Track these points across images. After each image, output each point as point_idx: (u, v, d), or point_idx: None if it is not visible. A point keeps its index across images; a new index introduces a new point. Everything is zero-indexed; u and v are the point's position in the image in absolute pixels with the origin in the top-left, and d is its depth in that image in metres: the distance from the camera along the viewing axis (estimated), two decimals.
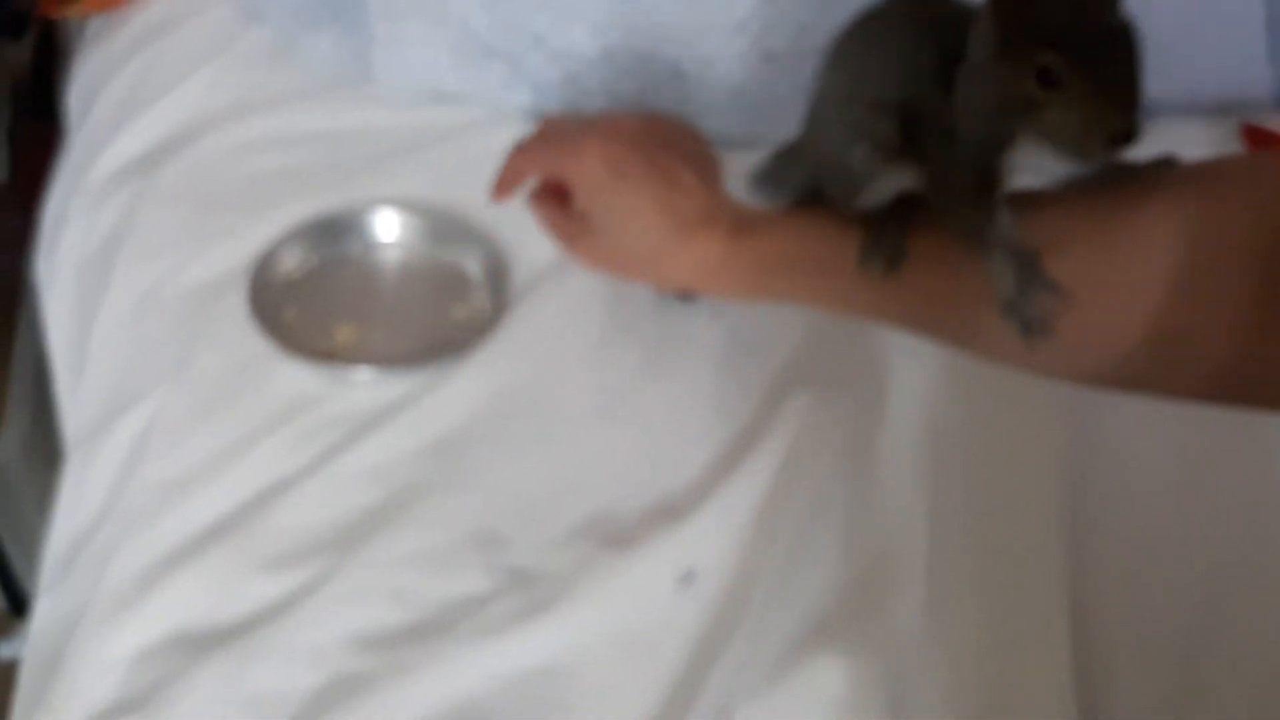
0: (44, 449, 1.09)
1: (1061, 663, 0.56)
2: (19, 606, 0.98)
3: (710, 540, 0.60)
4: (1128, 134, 0.43)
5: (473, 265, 0.74)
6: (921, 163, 0.50)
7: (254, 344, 0.68)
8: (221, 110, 0.85)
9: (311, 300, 0.72)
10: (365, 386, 0.67)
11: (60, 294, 0.81)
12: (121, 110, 0.87)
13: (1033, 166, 0.47)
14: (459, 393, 0.66)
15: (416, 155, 0.81)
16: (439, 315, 0.71)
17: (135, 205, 0.79)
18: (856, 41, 0.53)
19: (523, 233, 0.75)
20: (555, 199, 0.61)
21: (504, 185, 0.63)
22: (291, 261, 0.73)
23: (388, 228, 0.76)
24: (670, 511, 0.61)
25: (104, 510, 0.64)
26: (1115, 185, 0.47)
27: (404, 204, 0.76)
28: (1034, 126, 0.44)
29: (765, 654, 0.56)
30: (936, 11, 0.49)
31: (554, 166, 0.61)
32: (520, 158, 0.62)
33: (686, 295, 0.68)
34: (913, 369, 0.66)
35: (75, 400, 0.73)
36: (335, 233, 0.75)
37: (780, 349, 0.69)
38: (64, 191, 0.86)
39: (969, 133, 0.46)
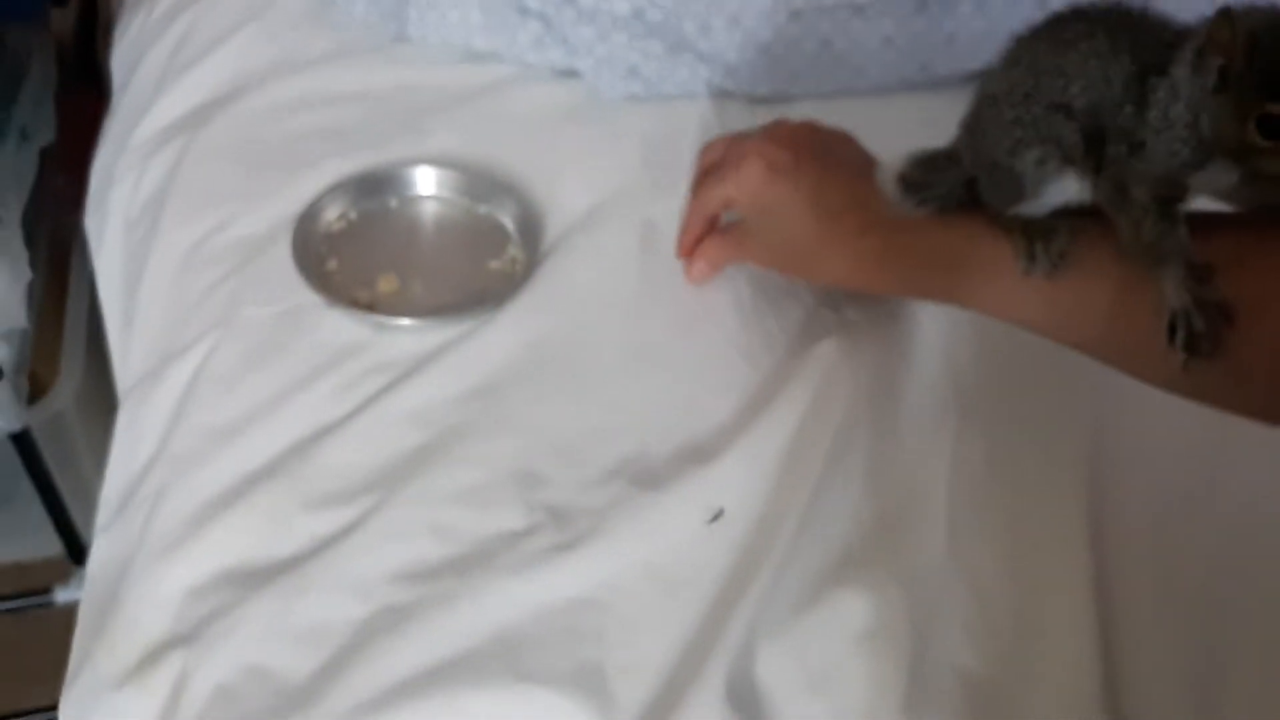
0: (98, 401, 1.13)
1: (1084, 599, 0.57)
2: (77, 554, 1.01)
3: (738, 481, 0.61)
4: None
5: (507, 219, 0.76)
6: (1097, 172, 0.50)
7: (299, 295, 0.70)
8: (261, 71, 0.87)
9: (353, 252, 0.74)
10: (405, 335, 0.69)
11: (109, 249, 0.84)
12: (164, 72, 0.89)
13: (1212, 189, 0.48)
14: (497, 341, 0.68)
15: (451, 112, 0.83)
16: (476, 267, 0.73)
17: (180, 162, 0.81)
18: (1045, 42, 0.52)
19: (555, 188, 0.77)
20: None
21: (690, 240, 0.68)
22: (333, 214, 0.76)
23: (426, 183, 0.78)
24: (700, 454, 0.63)
25: (156, 454, 0.66)
26: None
27: (441, 161, 0.78)
28: (1244, 167, 0.44)
29: (791, 588, 0.57)
30: (1135, 20, 0.49)
31: (723, 192, 0.65)
32: (696, 203, 0.68)
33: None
34: (938, 317, 0.68)
35: (126, 350, 0.76)
36: (375, 188, 0.77)
37: (805, 299, 0.71)
38: (111, 150, 0.88)
39: (1163, 151, 0.46)
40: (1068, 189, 0.52)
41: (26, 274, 0.93)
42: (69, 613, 1.14)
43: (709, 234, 0.68)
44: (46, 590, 1.05)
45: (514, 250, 0.74)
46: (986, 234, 0.55)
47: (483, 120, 0.82)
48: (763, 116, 0.71)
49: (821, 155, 0.63)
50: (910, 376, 0.66)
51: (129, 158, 0.85)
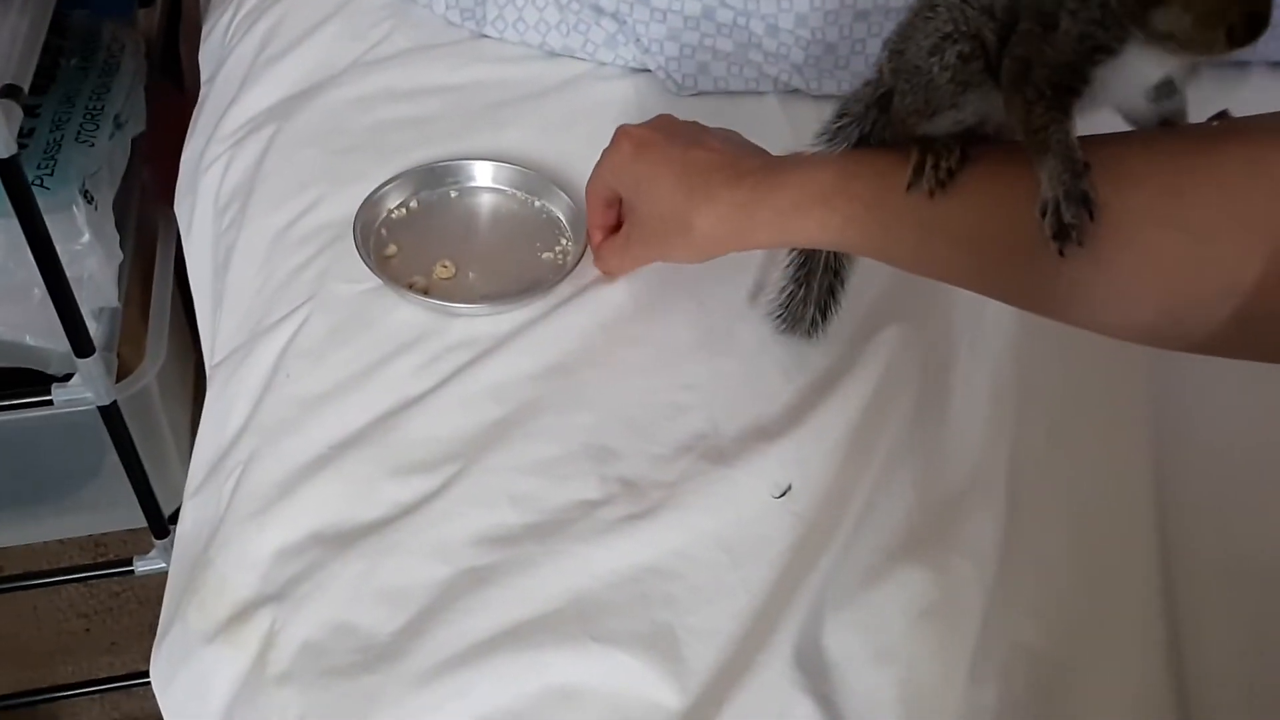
0: (176, 382, 1.17)
1: (1149, 576, 0.58)
2: (158, 527, 1.05)
3: (805, 460, 0.63)
4: (1253, 23, 0.41)
5: (561, 213, 0.78)
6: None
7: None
8: (344, 65, 0.91)
9: (412, 239, 0.77)
10: (465, 318, 0.71)
11: (198, 232, 0.87)
12: (251, 66, 0.93)
13: (1116, 98, 0.48)
14: (571, 322, 0.71)
15: (525, 107, 0.86)
16: (529, 257, 0.76)
17: (268, 150, 0.84)
18: None
19: None
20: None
21: (595, 231, 0.72)
22: (394, 202, 0.79)
23: (484, 176, 0.81)
24: (767, 433, 0.65)
25: (246, 423, 0.69)
26: (1191, 132, 0.47)
27: (512, 154, 0.81)
28: (1150, 24, 0.43)
29: (857, 563, 0.59)
30: None
31: (599, 175, 0.69)
32: (588, 192, 0.71)
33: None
34: (1001, 309, 0.69)
35: (215, 328, 0.79)
36: (436, 179, 0.80)
37: (869, 290, 0.73)
38: (200, 140, 0.92)
39: (1075, 33, 0.45)
40: (986, 100, 0.51)
41: (118, 255, 0.97)
42: (148, 584, 1.19)
43: (606, 238, 0.72)
44: (127, 562, 1.09)
45: (566, 242, 0.77)
46: (874, 163, 0.55)
47: (556, 115, 0.85)
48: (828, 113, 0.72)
49: (694, 135, 0.65)
50: (973, 360, 0.67)
51: (217, 147, 0.89)
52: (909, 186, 0.53)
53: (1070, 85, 0.47)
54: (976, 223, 0.52)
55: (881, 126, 0.58)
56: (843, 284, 0.68)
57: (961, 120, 0.53)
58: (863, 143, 0.59)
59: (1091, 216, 0.45)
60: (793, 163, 0.60)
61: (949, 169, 0.52)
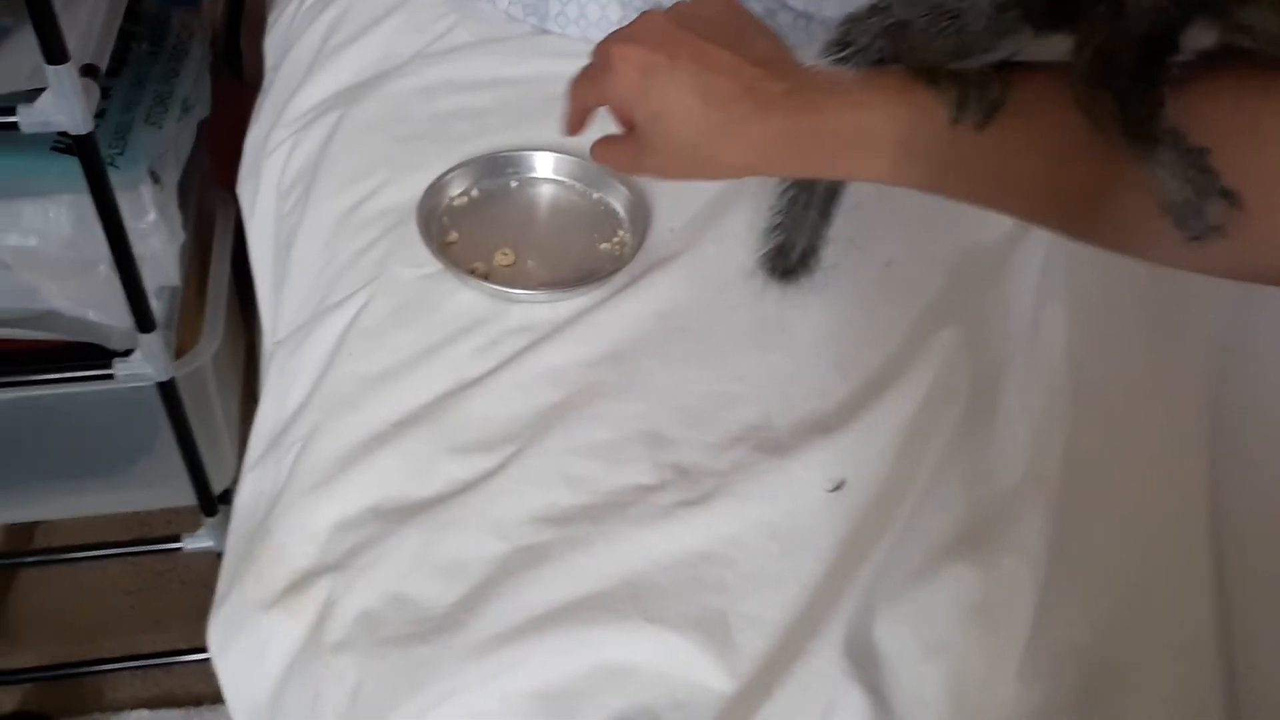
0: (231, 365, 1.19)
1: (1203, 579, 0.58)
2: (208, 505, 1.07)
3: (859, 455, 0.64)
4: None
5: (619, 205, 0.79)
6: (1070, 30, 0.45)
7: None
8: (407, 56, 0.92)
9: (473, 226, 0.78)
10: (523, 304, 0.73)
11: (261, 215, 0.89)
12: (316, 55, 0.95)
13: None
14: (628, 311, 0.72)
15: None
16: (587, 247, 0.77)
17: (331, 136, 0.86)
18: None
19: None
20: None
21: (573, 125, 0.65)
22: (456, 190, 0.80)
23: (545, 167, 0.82)
24: (822, 426, 0.65)
25: (306, 398, 0.71)
26: (1244, 65, 0.42)
27: (567, 147, 0.82)
28: (1233, 17, 0.40)
29: (909, 558, 0.59)
30: None
31: (598, 94, 0.61)
32: (571, 97, 0.64)
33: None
34: (1056, 305, 0.69)
35: (277, 308, 0.81)
36: (497, 168, 0.81)
37: (926, 288, 0.73)
38: (264, 125, 0.94)
39: (1149, 4, 0.42)
40: (1022, 43, 0.47)
41: (181, 236, 0.99)
42: (192, 564, 1.21)
43: (608, 139, 0.64)
44: (175, 538, 1.11)
45: (623, 234, 0.78)
46: (913, 94, 0.51)
47: None
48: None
49: (697, 41, 0.57)
50: (1028, 361, 0.67)
51: (282, 131, 0.91)
52: (954, 121, 0.49)
53: (1158, 60, 0.42)
54: (1046, 172, 0.49)
55: (890, 58, 0.54)
56: (828, 224, 0.68)
57: (993, 59, 0.50)
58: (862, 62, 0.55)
59: (1236, 205, 0.42)
60: (822, 91, 0.55)
61: (994, 102, 0.48)
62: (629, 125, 0.61)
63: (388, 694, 0.55)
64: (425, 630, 0.57)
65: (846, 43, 0.55)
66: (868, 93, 0.54)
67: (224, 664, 0.65)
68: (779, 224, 0.69)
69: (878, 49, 0.54)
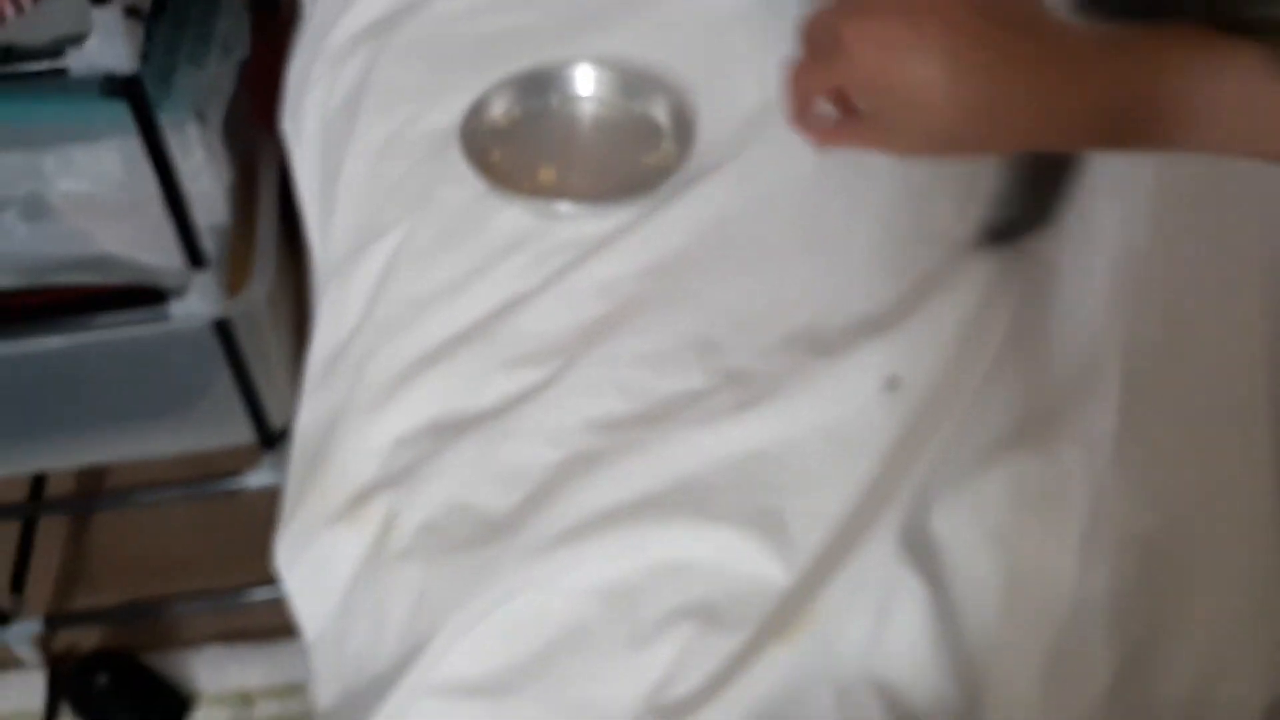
0: (282, 304, 1.21)
1: (1264, 467, 0.57)
2: (268, 440, 1.09)
3: (914, 353, 0.63)
4: None
5: (661, 115, 0.79)
6: None
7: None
8: None
9: (515, 146, 0.78)
10: (569, 220, 0.73)
11: (306, 147, 0.89)
12: None
13: None
14: (676, 221, 0.71)
15: (631, 15, 0.86)
16: (631, 161, 0.77)
17: (373, 63, 0.86)
18: None
19: (730, 82, 0.80)
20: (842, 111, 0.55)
21: (799, 118, 0.58)
22: (497, 111, 0.80)
23: (584, 82, 0.81)
24: (874, 327, 0.65)
25: (360, 322, 0.72)
26: None
27: (599, 60, 0.81)
28: None
29: (966, 451, 0.59)
30: None
31: (828, 78, 0.54)
32: (796, 85, 0.57)
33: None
34: (1115, 203, 0.68)
35: (326, 236, 0.82)
36: (536, 86, 0.81)
37: (979, 186, 0.72)
38: (305, 58, 0.94)
39: None
40: None
41: (228, 174, 1.00)
42: (256, 501, 1.23)
43: (840, 125, 0.58)
44: (238, 475, 1.13)
45: (668, 144, 0.77)
46: (1225, 48, 0.46)
47: (661, 22, 0.84)
48: None
49: (942, 6, 0.50)
50: (1087, 253, 0.66)
51: (323, 64, 0.91)
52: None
53: None
54: None
55: (1161, 8, 0.49)
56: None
57: None
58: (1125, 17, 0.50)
59: None
60: (1110, 55, 0.48)
61: None
62: (850, 107, 0.55)
63: (451, 596, 0.56)
64: (486, 535, 0.59)
65: None
66: (1177, 53, 0.48)
67: (292, 581, 0.67)
68: (1014, 195, 0.64)
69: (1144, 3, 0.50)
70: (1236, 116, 0.48)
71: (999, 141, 0.52)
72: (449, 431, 0.64)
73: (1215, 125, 0.48)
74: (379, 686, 0.57)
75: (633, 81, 0.80)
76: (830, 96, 0.56)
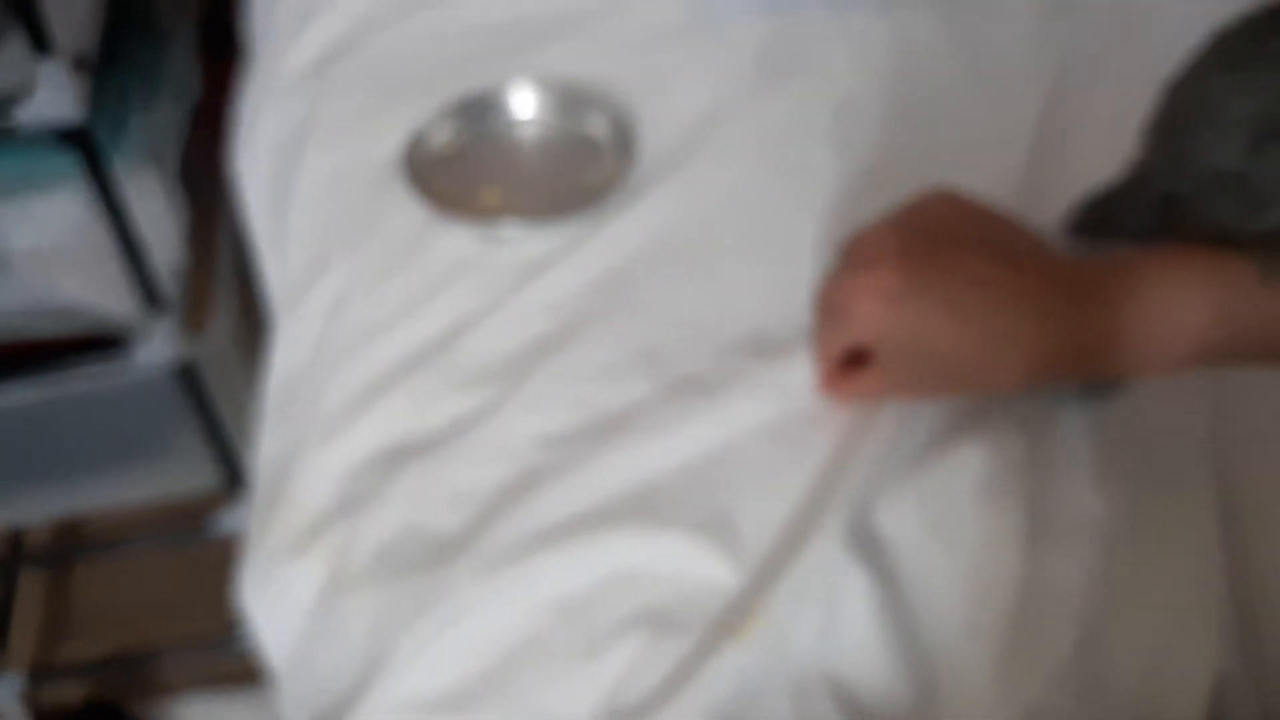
0: (249, 337, 1.21)
1: (1205, 452, 0.58)
2: (239, 480, 1.09)
3: None
4: None
5: (601, 132, 0.80)
6: None
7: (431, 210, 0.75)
8: (387, 9, 0.93)
9: (458, 171, 0.79)
10: (514, 241, 0.73)
11: (258, 181, 0.90)
12: (299, 18, 0.95)
13: None
14: (620, 237, 0.72)
15: (568, 39, 0.87)
16: (573, 179, 0.78)
17: (319, 97, 0.87)
18: (1252, 39, 0.47)
19: (668, 94, 0.81)
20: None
21: (828, 380, 0.60)
22: (440, 139, 0.81)
23: (524, 104, 0.82)
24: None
25: (313, 352, 0.72)
26: None
27: (537, 81, 0.82)
28: None
29: (909, 444, 0.60)
30: None
31: (843, 338, 0.57)
32: (817, 352, 0.60)
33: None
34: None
35: (280, 270, 0.82)
36: (476, 112, 0.82)
37: (917, 184, 0.73)
38: (256, 93, 0.95)
39: None
40: None
41: (185, 218, 1.01)
42: (231, 544, 1.23)
43: (845, 376, 0.59)
44: (214, 518, 1.13)
45: (608, 161, 0.78)
46: (1206, 262, 0.48)
47: (598, 39, 0.86)
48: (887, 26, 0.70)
49: (940, 252, 0.52)
50: None
51: (273, 96, 0.92)
52: (1262, 281, 0.46)
53: None
54: None
55: (1161, 229, 0.51)
56: None
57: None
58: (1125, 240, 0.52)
59: None
60: (1103, 283, 0.50)
61: None
62: (865, 356, 0.57)
63: (407, 616, 0.57)
64: (438, 555, 0.59)
65: (1098, 214, 0.53)
66: (1164, 273, 0.49)
67: (256, 614, 0.67)
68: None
69: (1142, 218, 0.52)
70: (1211, 326, 0.49)
71: (1014, 379, 0.54)
72: (401, 456, 0.64)
73: (1179, 338, 0.50)
74: (343, 707, 0.57)
75: (572, 100, 0.81)
76: (850, 354, 0.58)
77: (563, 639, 0.55)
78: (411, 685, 0.55)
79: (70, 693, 1.34)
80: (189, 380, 1.00)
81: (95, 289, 1.00)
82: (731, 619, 0.54)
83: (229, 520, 1.12)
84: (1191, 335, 0.50)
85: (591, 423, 0.63)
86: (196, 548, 1.39)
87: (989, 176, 0.68)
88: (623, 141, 0.78)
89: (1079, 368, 0.54)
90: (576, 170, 0.78)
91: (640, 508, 0.58)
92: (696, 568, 0.56)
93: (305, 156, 0.83)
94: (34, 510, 1.25)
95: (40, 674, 1.27)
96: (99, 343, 1.00)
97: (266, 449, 0.73)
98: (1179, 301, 0.50)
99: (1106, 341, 0.51)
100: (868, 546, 0.56)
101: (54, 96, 0.83)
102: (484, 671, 0.54)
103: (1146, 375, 0.55)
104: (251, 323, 1.23)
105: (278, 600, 0.65)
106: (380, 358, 0.69)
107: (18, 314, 1.01)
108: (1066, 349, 0.52)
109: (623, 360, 0.65)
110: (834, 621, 0.54)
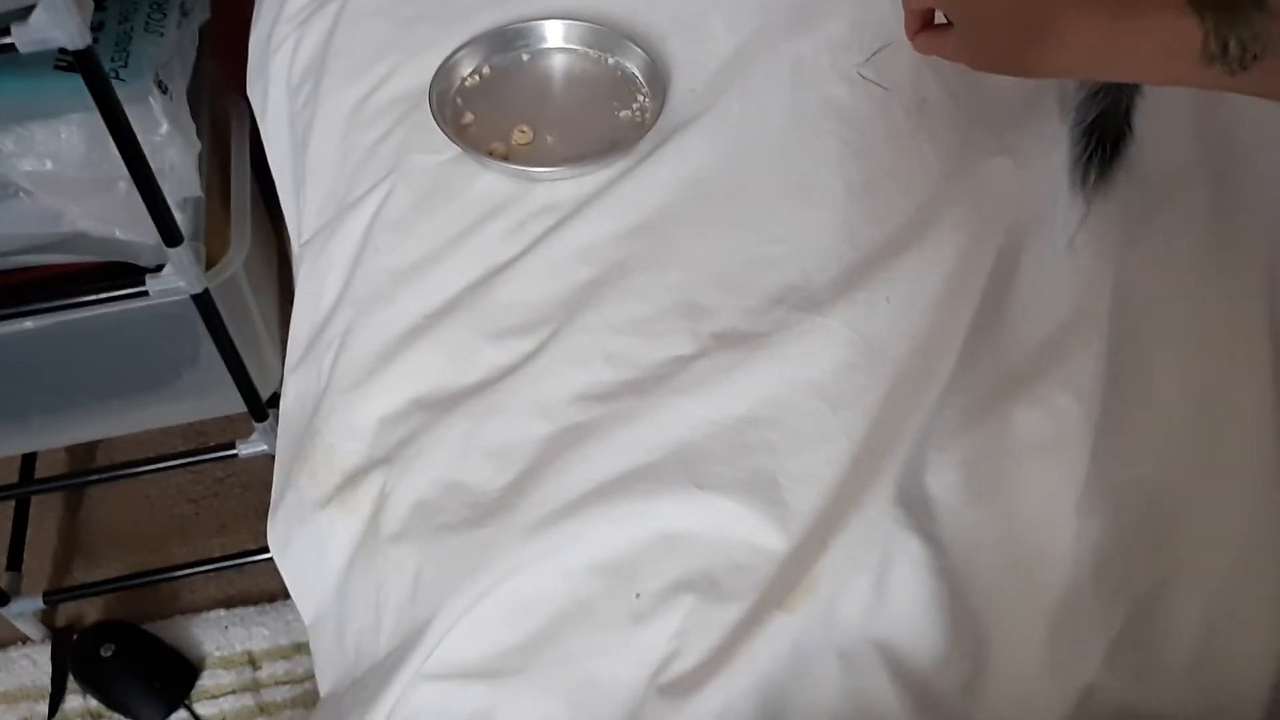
0: (264, 270, 1.19)
1: (1264, 401, 0.57)
2: (257, 411, 1.08)
3: (901, 305, 0.62)
4: None
5: (635, 69, 0.77)
6: None
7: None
8: None
9: (487, 106, 0.76)
10: (546, 179, 0.71)
11: (274, 116, 0.87)
12: None
13: None
14: (654, 181, 0.69)
15: None
16: (606, 116, 0.75)
17: (336, 25, 0.83)
18: None
19: (700, 32, 0.77)
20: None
21: (911, 30, 0.71)
22: (467, 70, 0.78)
23: (555, 36, 0.79)
24: (860, 280, 0.64)
25: (338, 298, 0.70)
26: None
27: (570, 14, 0.79)
28: None
29: (959, 405, 0.59)
30: None
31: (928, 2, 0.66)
32: (905, 5, 0.70)
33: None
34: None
35: (299, 209, 0.80)
36: (505, 42, 0.79)
37: (960, 123, 0.70)
38: (267, 21, 0.91)
39: None
40: None
41: (196, 145, 0.97)
42: (251, 468, 1.23)
43: (931, 31, 0.70)
44: (230, 446, 1.12)
45: (643, 98, 0.75)
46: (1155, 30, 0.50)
47: None
48: None
49: None
50: (1075, 197, 0.65)
51: (285, 26, 0.88)
52: (1210, 62, 0.48)
53: None
54: None
55: None
56: (1132, 134, 0.65)
57: None
58: None
59: None
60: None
61: (1255, 49, 0.47)
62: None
63: (448, 579, 0.56)
64: (480, 514, 0.58)
65: None
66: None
67: (286, 564, 0.66)
68: (1093, 121, 0.65)
69: None
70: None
71: (1058, 65, 0.56)
72: (436, 408, 0.63)
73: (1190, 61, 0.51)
74: (380, 672, 0.57)
75: (603, 34, 0.78)
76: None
77: (608, 605, 0.54)
78: (451, 652, 0.54)
79: (88, 613, 1.35)
80: (206, 310, 0.98)
81: (108, 217, 0.97)
82: (780, 587, 0.53)
83: (247, 447, 1.12)
84: (1189, 78, 0.52)
85: (631, 379, 0.61)
86: (216, 471, 1.39)
87: (1028, 86, 0.70)
88: (657, 78, 0.75)
89: (1115, 71, 0.56)
90: (608, 108, 0.75)
91: (683, 468, 0.57)
92: (743, 532, 0.55)
93: (322, 92, 0.80)
94: (52, 438, 1.24)
95: (55, 595, 1.28)
96: (116, 271, 0.98)
97: (291, 394, 0.71)
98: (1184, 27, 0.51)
99: (1134, 49, 0.53)
100: (918, 511, 0.56)
101: (53, 18, 0.78)
102: (527, 639, 0.54)
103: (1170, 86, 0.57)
104: (274, 245, 1.21)
105: (309, 552, 0.64)
106: (411, 306, 0.67)
107: (28, 242, 0.99)
108: (1104, 49, 0.54)
109: (661, 313, 0.64)
110: (883, 589, 0.54)
